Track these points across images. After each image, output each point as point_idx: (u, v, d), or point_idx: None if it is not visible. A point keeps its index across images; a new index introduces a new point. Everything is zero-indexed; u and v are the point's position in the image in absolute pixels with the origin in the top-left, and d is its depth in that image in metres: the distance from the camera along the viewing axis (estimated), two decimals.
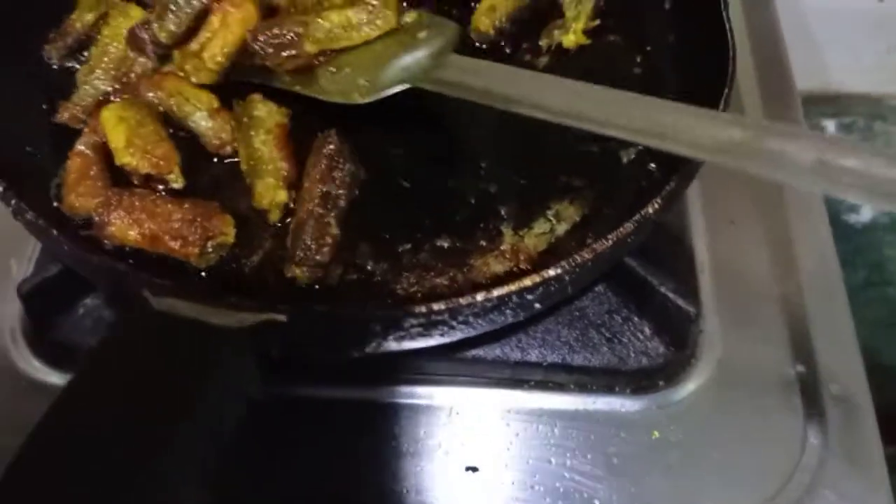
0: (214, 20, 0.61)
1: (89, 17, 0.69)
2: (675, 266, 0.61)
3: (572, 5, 0.71)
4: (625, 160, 0.64)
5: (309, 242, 0.58)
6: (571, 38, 0.70)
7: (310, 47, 0.61)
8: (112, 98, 0.65)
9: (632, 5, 0.72)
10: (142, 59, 0.66)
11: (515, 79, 0.58)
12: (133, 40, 0.64)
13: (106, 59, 0.67)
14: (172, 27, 0.61)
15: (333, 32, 0.62)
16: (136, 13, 0.69)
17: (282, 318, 0.46)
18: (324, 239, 0.58)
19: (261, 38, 0.60)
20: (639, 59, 0.70)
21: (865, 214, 1.01)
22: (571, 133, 0.55)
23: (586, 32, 0.70)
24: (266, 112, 0.63)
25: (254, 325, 0.45)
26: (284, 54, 0.60)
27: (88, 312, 0.62)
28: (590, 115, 0.52)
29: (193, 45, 0.62)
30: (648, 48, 0.70)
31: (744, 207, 0.71)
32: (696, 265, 0.65)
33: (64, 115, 0.65)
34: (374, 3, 0.62)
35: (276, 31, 0.60)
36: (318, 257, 0.58)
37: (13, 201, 0.52)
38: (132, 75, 0.66)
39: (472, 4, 0.72)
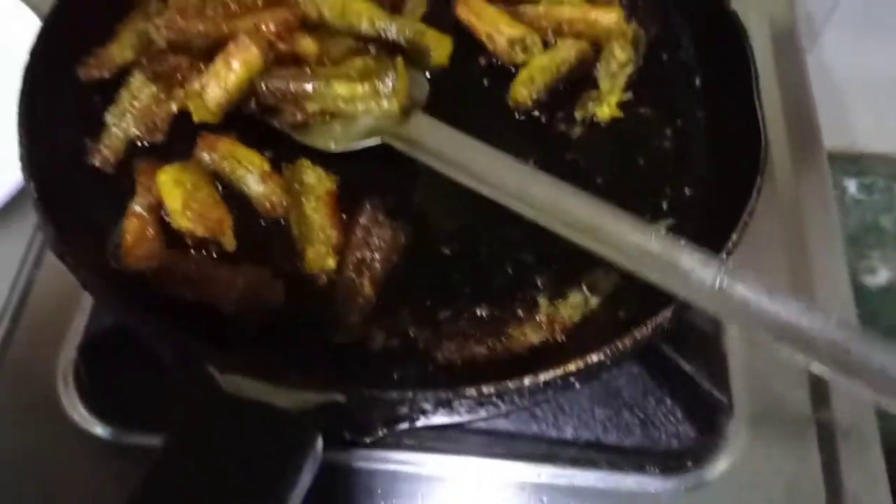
0: (219, 61, 0.64)
1: (129, 54, 0.70)
2: (708, 355, 0.64)
3: (607, 78, 0.74)
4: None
5: (343, 305, 0.61)
6: (605, 110, 0.73)
7: (310, 108, 0.65)
8: (138, 143, 0.68)
9: (663, 80, 0.75)
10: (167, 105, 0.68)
11: (470, 149, 0.62)
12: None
13: (136, 103, 0.69)
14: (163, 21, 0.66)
15: (336, 102, 0.65)
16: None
17: (341, 398, 0.49)
18: (356, 300, 0.61)
19: (269, 86, 0.64)
20: (669, 133, 0.72)
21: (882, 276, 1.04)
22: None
23: (619, 105, 0.73)
24: (316, 178, 0.65)
25: (317, 405, 0.48)
26: (287, 108, 0.65)
27: (140, 367, 0.64)
28: (530, 202, 0.58)
29: (196, 85, 0.65)
30: (679, 122, 0.73)
31: None
32: (729, 355, 0.67)
33: (96, 159, 0.67)
34: (386, 89, 0.65)
35: (281, 86, 0.65)
36: (351, 319, 0.61)
37: (72, 262, 0.55)
38: (157, 121, 0.68)
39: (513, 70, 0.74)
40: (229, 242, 0.62)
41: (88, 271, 0.54)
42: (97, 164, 0.66)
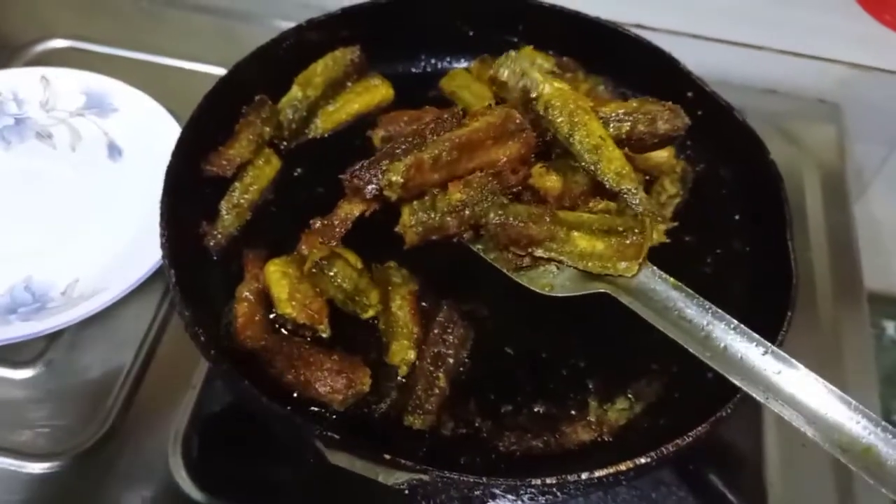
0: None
1: (246, 153, 0.81)
2: (744, 478, 0.72)
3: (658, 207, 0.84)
4: None
5: (420, 394, 0.69)
6: (654, 236, 0.82)
7: (539, 254, 0.63)
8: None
9: (706, 212, 0.84)
10: None
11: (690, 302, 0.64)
12: (354, 178, 0.67)
13: (246, 196, 0.80)
14: (400, 178, 0.62)
15: (572, 257, 0.63)
16: (277, 163, 0.83)
17: (427, 477, 0.58)
18: (432, 391, 0.70)
19: (502, 226, 0.62)
20: (709, 260, 0.82)
21: None
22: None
23: (666, 232, 0.83)
24: (401, 279, 0.75)
25: (406, 481, 0.57)
26: (514, 250, 0.64)
27: (251, 445, 0.73)
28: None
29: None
30: (718, 251, 0.82)
31: None
32: (766, 480, 0.74)
33: (210, 241, 0.77)
34: (628, 250, 0.61)
35: (518, 228, 0.62)
36: (427, 406, 0.69)
37: (205, 342, 0.64)
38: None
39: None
40: (325, 330, 0.72)
41: (218, 350, 0.63)
42: (211, 247, 0.76)
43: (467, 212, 0.63)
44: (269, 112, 0.82)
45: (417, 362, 0.71)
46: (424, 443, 0.68)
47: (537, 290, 0.66)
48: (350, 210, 0.68)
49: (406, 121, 0.84)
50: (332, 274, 0.72)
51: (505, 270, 0.67)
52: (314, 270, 0.73)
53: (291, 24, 0.85)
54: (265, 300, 0.73)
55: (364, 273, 0.75)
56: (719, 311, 0.64)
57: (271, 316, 0.72)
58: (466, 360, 0.73)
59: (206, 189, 0.79)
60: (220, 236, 0.77)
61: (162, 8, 1.17)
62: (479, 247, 0.67)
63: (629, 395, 0.73)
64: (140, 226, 0.86)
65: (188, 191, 0.74)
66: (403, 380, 0.71)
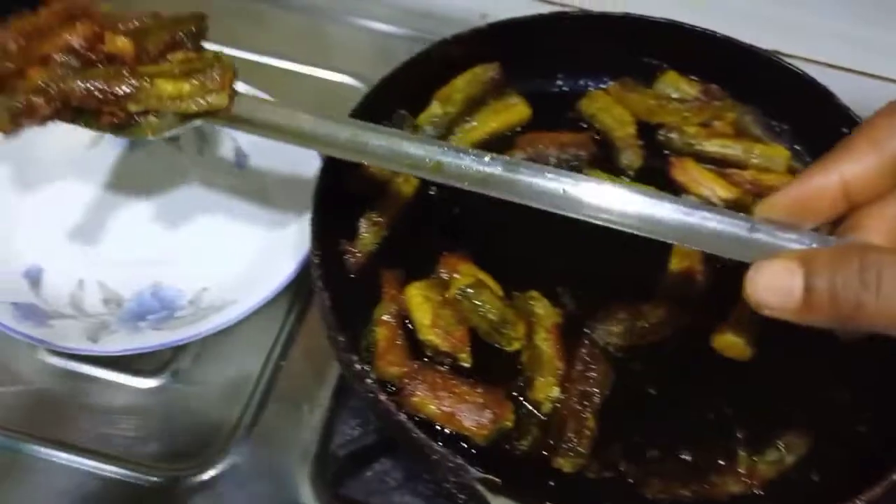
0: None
1: (388, 171, 0.76)
2: None
3: None
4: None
5: (571, 435, 0.67)
6: None
7: (133, 108, 0.63)
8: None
9: None
10: None
11: (294, 116, 0.64)
12: None
13: (386, 214, 0.77)
14: None
15: (162, 102, 0.63)
16: (415, 181, 0.80)
17: None
18: (583, 432, 0.67)
19: (88, 88, 0.61)
20: None
21: None
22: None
23: None
24: (544, 310, 0.72)
25: None
26: (106, 110, 0.63)
27: (379, 475, 0.71)
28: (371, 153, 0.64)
29: None
30: None
31: None
32: None
33: (350, 261, 0.75)
34: (214, 84, 0.63)
35: (99, 86, 0.62)
36: (579, 448, 0.66)
37: (359, 371, 0.62)
38: None
39: None
40: (467, 360, 0.69)
41: (374, 379, 0.61)
42: (351, 265, 0.75)
43: (52, 89, 0.62)
44: (410, 128, 0.80)
45: (563, 400, 0.68)
46: (568, 486, 0.65)
47: (139, 139, 0.68)
48: None
49: (545, 143, 0.83)
50: (478, 303, 0.70)
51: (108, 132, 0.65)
52: (459, 297, 0.70)
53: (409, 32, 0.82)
54: (404, 324, 0.71)
55: (507, 302, 0.72)
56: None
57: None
58: (607, 399, 0.70)
59: (345, 207, 0.77)
60: (359, 254, 0.75)
61: (274, 9, 1.16)
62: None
63: (779, 447, 0.69)
64: (267, 236, 0.85)
65: (333, 208, 0.72)
66: (545, 416, 0.69)
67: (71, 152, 0.90)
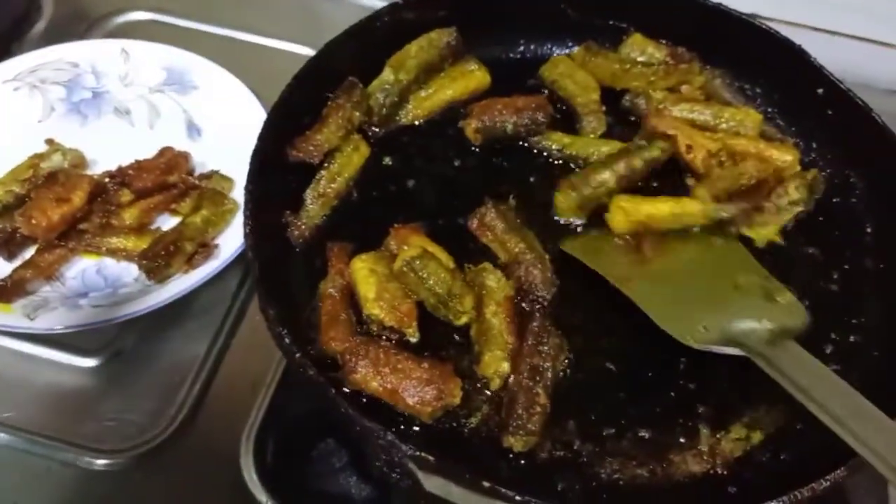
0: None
1: (335, 139, 0.75)
2: None
3: (773, 210, 0.76)
4: None
5: (521, 412, 0.63)
6: (763, 232, 0.75)
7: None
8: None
9: (833, 223, 0.76)
10: None
11: (835, 390, 0.60)
12: None
13: (333, 185, 0.74)
14: None
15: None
16: (366, 150, 0.77)
17: None
18: (534, 409, 0.63)
19: None
20: (835, 276, 0.74)
21: None
22: None
23: (786, 239, 0.75)
24: (496, 283, 0.68)
25: None
26: None
27: (322, 457, 0.68)
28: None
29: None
30: (846, 267, 0.74)
31: None
32: None
33: (293, 232, 0.72)
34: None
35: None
36: (529, 426, 0.63)
37: (289, 344, 0.59)
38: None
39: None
40: (414, 334, 0.66)
41: (303, 354, 0.58)
42: (294, 238, 0.71)
43: None
44: (360, 95, 0.76)
45: (512, 376, 0.65)
46: (518, 465, 0.62)
47: (676, 337, 0.65)
48: None
49: (500, 109, 0.79)
50: (424, 275, 0.66)
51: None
52: (405, 269, 0.67)
53: (377, 4, 0.80)
54: (350, 299, 0.68)
55: (457, 275, 0.69)
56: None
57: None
58: (561, 375, 0.67)
59: (290, 176, 0.74)
60: (304, 227, 0.72)
61: None
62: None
63: (746, 424, 0.66)
64: None
65: (273, 177, 0.69)
66: (495, 392, 0.65)
67: (22, 126, 0.88)
